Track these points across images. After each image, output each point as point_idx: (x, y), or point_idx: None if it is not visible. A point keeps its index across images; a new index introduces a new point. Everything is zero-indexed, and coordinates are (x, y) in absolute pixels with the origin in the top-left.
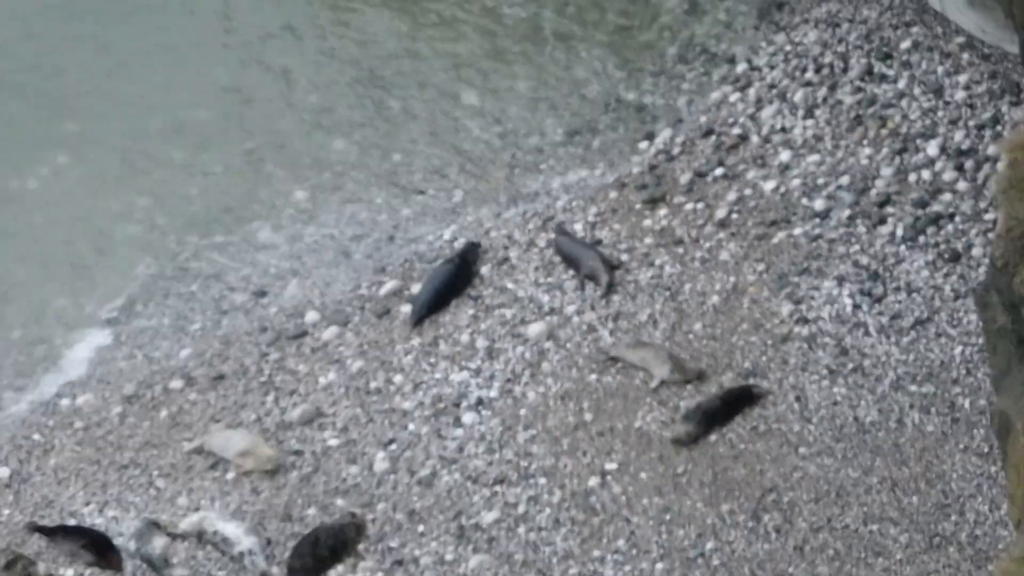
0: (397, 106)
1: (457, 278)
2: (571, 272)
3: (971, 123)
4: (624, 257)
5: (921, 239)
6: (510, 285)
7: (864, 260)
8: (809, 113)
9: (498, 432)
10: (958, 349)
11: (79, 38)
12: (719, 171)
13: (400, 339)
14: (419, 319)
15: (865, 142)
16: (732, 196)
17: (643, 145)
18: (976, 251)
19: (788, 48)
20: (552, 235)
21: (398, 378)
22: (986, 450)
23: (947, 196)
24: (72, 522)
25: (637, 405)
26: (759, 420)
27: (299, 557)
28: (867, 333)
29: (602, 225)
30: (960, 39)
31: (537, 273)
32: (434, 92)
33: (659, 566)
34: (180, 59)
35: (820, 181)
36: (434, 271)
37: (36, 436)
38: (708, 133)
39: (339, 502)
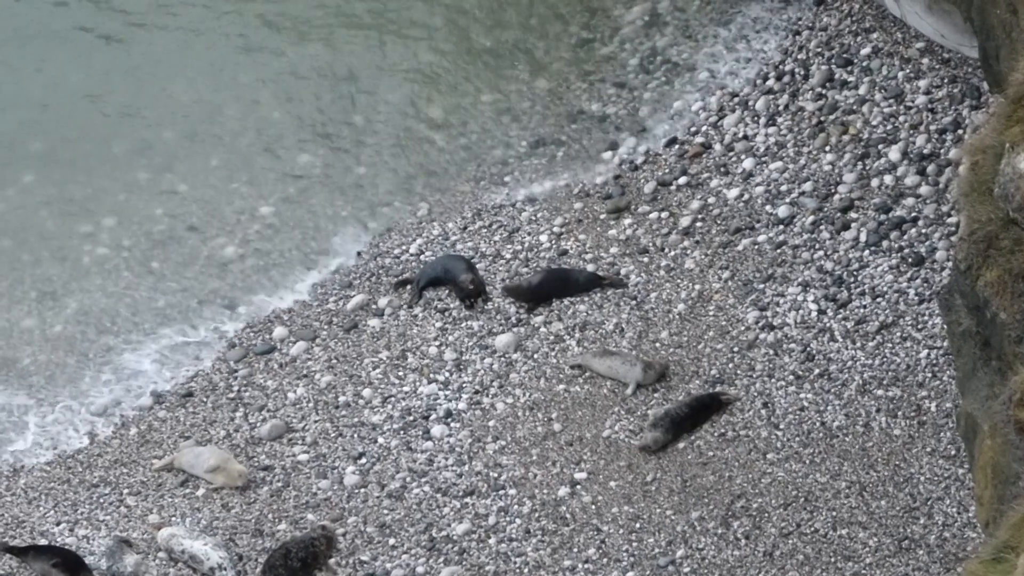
0: (361, 120)
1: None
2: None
3: (932, 127)
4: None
5: (884, 244)
6: None
7: (828, 265)
8: (771, 120)
9: (467, 444)
10: (923, 352)
11: (40, 60)
12: (683, 180)
13: (368, 353)
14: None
15: (827, 148)
16: (696, 204)
17: (607, 155)
18: (939, 255)
19: (749, 56)
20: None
21: (367, 392)
22: (953, 452)
23: (910, 200)
24: (43, 542)
25: (605, 414)
26: (727, 427)
27: (272, 569)
28: (832, 338)
29: (567, 235)
30: (920, 44)
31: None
32: (398, 106)
33: (630, 574)
34: (143, 80)
35: (783, 188)
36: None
37: (5, 456)
38: (671, 142)
39: (310, 516)
